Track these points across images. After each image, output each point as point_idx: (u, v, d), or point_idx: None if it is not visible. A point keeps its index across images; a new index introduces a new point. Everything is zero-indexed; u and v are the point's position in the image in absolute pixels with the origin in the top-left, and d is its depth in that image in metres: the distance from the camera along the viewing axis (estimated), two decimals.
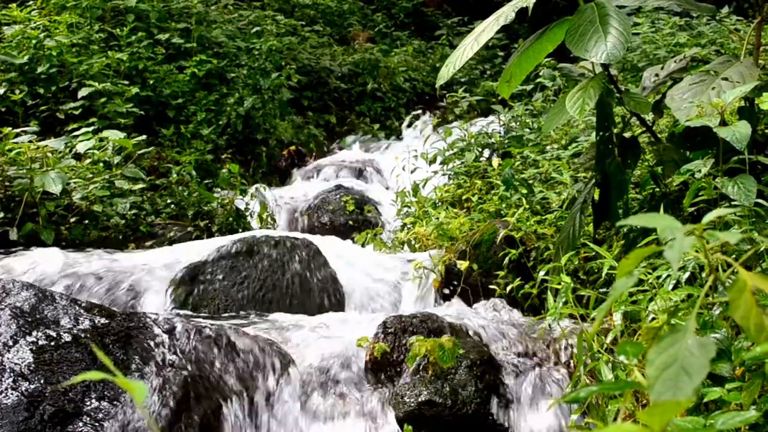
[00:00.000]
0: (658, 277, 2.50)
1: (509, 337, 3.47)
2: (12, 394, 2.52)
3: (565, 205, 4.25)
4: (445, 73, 3.19)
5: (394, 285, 4.37)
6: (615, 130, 3.29)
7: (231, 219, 5.68)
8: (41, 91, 6.45)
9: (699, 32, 8.22)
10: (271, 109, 8.17)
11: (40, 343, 2.70)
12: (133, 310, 3.76)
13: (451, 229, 4.78)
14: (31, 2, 7.78)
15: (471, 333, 3.47)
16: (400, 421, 3.00)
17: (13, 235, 4.56)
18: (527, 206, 4.46)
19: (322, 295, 4.30)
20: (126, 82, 6.83)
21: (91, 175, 5.15)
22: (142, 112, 6.76)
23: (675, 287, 2.43)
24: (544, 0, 3.05)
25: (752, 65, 3.08)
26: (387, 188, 7.48)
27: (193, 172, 6.10)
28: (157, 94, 7.27)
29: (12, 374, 2.57)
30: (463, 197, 5.52)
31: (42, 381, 2.58)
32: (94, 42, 7.25)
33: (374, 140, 9.41)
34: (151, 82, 7.24)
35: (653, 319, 2.35)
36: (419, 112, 9.59)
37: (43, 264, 4.19)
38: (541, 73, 7.10)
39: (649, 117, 3.52)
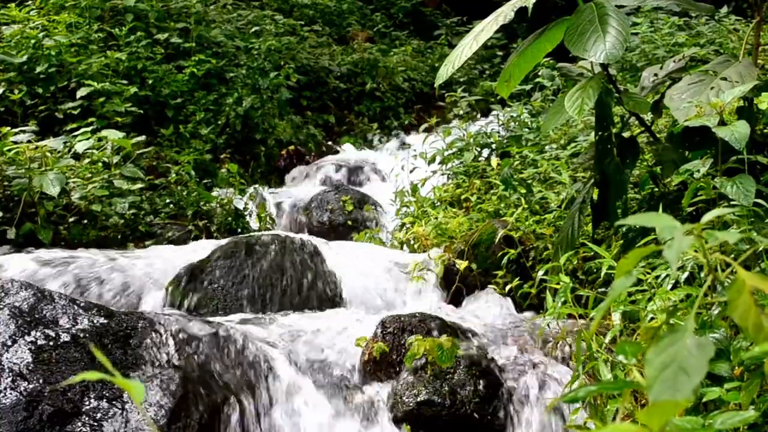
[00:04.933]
0: (657, 277, 2.50)
1: (508, 337, 3.47)
2: (11, 393, 2.52)
3: (564, 205, 4.25)
4: (444, 73, 3.19)
5: (393, 285, 4.36)
6: (614, 130, 3.29)
7: (230, 219, 5.68)
8: (40, 90, 6.45)
9: (698, 32, 8.22)
10: (270, 108, 8.17)
11: (39, 342, 2.70)
12: (132, 310, 3.76)
13: (450, 229, 4.78)
14: (29, 2, 7.78)
15: (470, 333, 3.47)
16: (399, 421, 3.00)
17: (12, 234, 4.55)
18: (526, 206, 4.46)
19: (321, 294, 4.30)
20: (125, 82, 6.83)
21: (89, 175, 5.15)
22: (141, 112, 6.76)
23: (674, 287, 2.44)
24: None
25: (751, 65, 3.09)
26: (385, 185, 7.48)
27: (192, 172, 6.10)
28: (156, 93, 7.27)
29: (11, 374, 2.57)
30: (462, 197, 5.52)
31: (41, 381, 2.58)
32: (92, 42, 7.25)
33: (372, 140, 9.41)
34: (150, 81, 7.24)
35: (652, 318, 2.35)
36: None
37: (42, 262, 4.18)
38: (540, 73, 7.10)
39: (647, 117, 3.52)
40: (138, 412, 2.59)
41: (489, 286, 4.10)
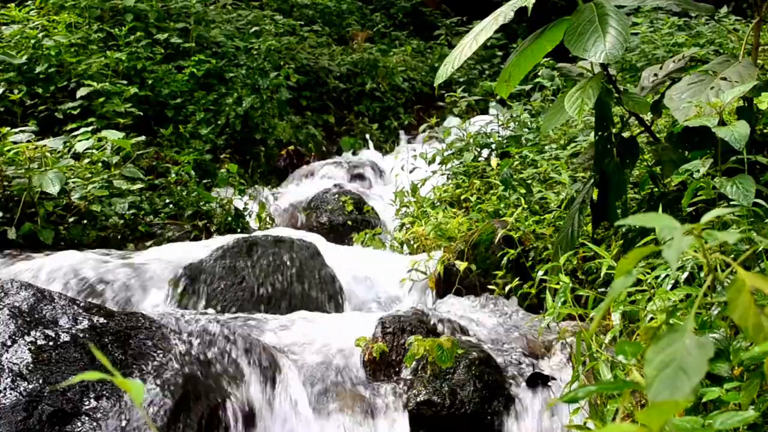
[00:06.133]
0: (657, 277, 2.50)
1: (508, 337, 3.47)
2: (10, 394, 2.52)
3: (564, 205, 4.25)
4: (444, 73, 3.19)
5: (393, 285, 4.37)
6: (614, 130, 3.29)
7: (230, 219, 5.68)
8: (40, 90, 6.45)
9: (698, 32, 8.22)
10: (270, 108, 8.17)
11: (39, 342, 2.70)
12: (132, 310, 3.76)
13: (450, 229, 4.78)
14: (29, 2, 7.78)
15: (469, 333, 3.47)
16: (399, 421, 3.00)
17: (12, 234, 4.55)
18: (526, 206, 4.46)
19: (321, 294, 4.30)
20: (124, 82, 6.83)
21: (89, 175, 5.15)
22: (141, 112, 6.76)
23: (673, 287, 2.44)
24: None
25: (751, 65, 3.09)
26: (385, 185, 7.49)
27: (192, 172, 6.10)
28: (156, 93, 7.27)
29: (11, 374, 2.57)
30: (462, 197, 5.52)
31: (40, 381, 2.58)
32: (92, 42, 7.25)
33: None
34: (150, 81, 7.24)
35: (652, 318, 2.35)
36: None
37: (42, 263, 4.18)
38: (539, 73, 7.10)
39: (647, 117, 3.52)
40: (138, 412, 2.59)
41: (489, 286, 4.10)
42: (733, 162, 2.73)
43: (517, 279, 3.87)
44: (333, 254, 4.59)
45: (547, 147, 5.49)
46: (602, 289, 3.41)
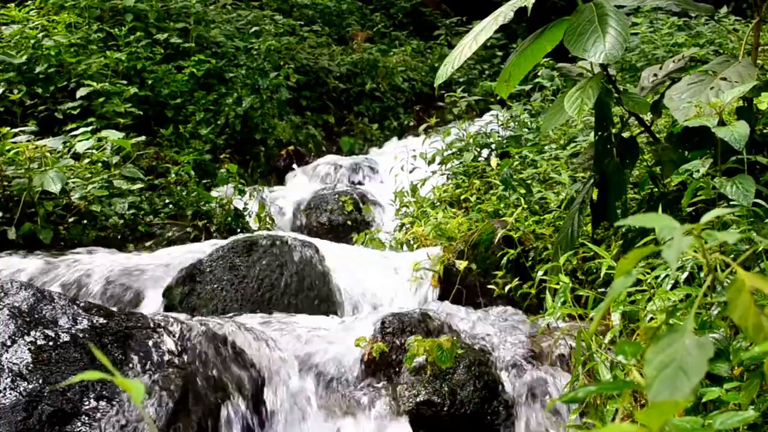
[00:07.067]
0: (657, 277, 2.50)
1: (508, 337, 3.47)
2: (10, 394, 2.52)
3: (564, 205, 4.25)
4: (444, 73, 3.19)
5: (393, 285, 4.36)
6: (613, 130, 3.29)
7: (229, 219, 5.68)
8: (39, 90, 6.44)
9: (697, 32, 8.22)
10: (270, 108, 8.17)
11: (39, 342, 2.70)
12: (132, 310, 3.76)
13: (450, 229, 4.78)
14: (29, 2, 7.78)
15: (469, 333, 3.47)
16: (399, 421, 3.00)
17: (12, 234, 4.55)
18: (525, 206, 4.46)
19: (321, 294, 4.29)
20: (124, 82, 6.83)
21: (89, 175, 5.14)
22: (141, 112, 6.76)
23: (673, 287, 2.44)
24: None
25: (750, 65, 3.09)
26: (385, 185, 7.49)
27: (192, 172, 6.10)
28: (156, 93, 7.27)
29: (10, 374, 2.57)
30: (462, 197, 5.52)
31: (40, 381, 2.58)
32: (92, 42, 7.25)
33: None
34: (150, 81, 7.24)
35: (651, 319, 2.35)
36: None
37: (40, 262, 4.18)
38: (539, 73, 7.10)
39: (647, 117, 3.52)
40: (137, 412, 2.59)
41: (488, 286, 4.10)
42: (733, 162, 2.73)
43: (516, 279, 3.87)
44: (332, 254, 4.59)
45: (547, 147, 5.49)
46: (602, 289, 3.41)
